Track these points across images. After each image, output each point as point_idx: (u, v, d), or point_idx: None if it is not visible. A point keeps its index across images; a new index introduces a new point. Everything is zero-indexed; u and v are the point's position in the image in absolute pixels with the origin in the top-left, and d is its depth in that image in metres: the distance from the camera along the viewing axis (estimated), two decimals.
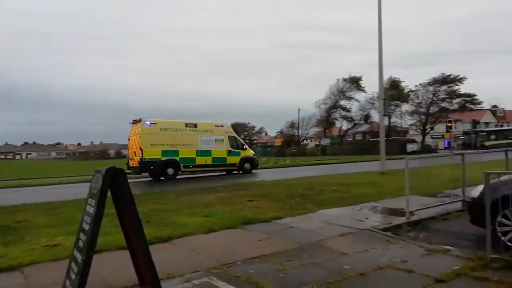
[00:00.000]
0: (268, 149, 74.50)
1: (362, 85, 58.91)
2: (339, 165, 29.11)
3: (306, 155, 57.78)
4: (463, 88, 52.68)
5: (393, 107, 55.54)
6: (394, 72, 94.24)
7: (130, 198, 3.25)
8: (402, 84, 55.20)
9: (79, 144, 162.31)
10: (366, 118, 64.47)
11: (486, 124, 78.25)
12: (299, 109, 67.08)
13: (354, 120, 64.35)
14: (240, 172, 22.66)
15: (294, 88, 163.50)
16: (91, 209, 3.15)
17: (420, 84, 54.61)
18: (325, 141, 62.08)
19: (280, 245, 5.99)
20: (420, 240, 6.15)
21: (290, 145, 68.79)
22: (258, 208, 9.23)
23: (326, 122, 65.03)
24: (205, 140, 21.08)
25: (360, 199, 10.10)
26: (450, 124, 43.38)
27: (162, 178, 19.96)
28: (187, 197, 11.99)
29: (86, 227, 3.13)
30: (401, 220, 7.38)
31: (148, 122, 19.68)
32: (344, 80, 59.36)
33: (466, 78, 51.95)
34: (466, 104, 53.35)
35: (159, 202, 11.00)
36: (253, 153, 24.93)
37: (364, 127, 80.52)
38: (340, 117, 63.94)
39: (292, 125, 77.17)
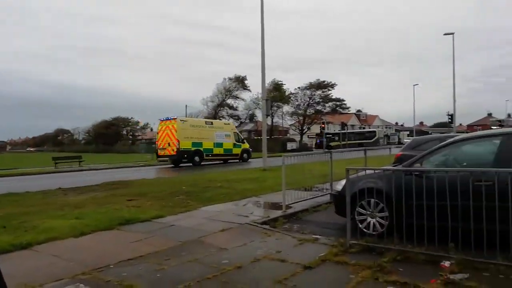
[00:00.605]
0: (154, 145, 71.56)
1: (247, 85, 61.14)
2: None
3: None
4: (334, 93, 59.24)
5: (275, 108, 59.17)
6: (278, 75, 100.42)
7: None
8: (284, 87, 59.19)
9: None
10: (252, 117, 67.30)
11: (352, 126, 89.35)
12: (186, 106, 66.31)
13: (240, 119, 66.42)
14: (240, 160, 28.40)
15: (183, 85, 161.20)
16: None
17: (299, 87, 59.40)
18: None
19: (159, 245, 5.77)
20: (294, 231, 6.61)
21: None
22: (138, 208, 8.76)
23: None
24: (218, 135, 27.13)
25: (243, 195, 10.43)
26: (323, 126, 48.24)
27: (190, 164, 24.94)
28: (56, 198, 10.72)
29: None
30: (278, 213, 7.84)
31: (181, 120, 25.61)
32: (230, 79, 60.67)
33: (336, 85, 58.52)
34: (337, 108, 60.08)
35: (21, 204, 9.59)
36: (249, 146, 30.49)
37: (250, 126, 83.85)
38: (227, 115, 65.30)
39: None
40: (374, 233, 5.66)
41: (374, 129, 69.22)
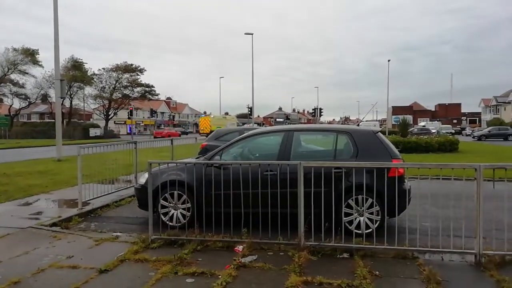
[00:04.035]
0: None
1: (39, 60, 51.74)
2: (5, 151, 24.56)
3: None
4: (144, 79, 57.36)
5: (75, 89, 52.90)
6: (84, 53, 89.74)
7: None
8: (86, 66, 53.32)
9: None
10: (44, 97, 57.23)
11: (162, 113, 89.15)
12: None
13: (29, 99, 55.93)
14: None
15: None
16: None
17: (103, 68, 54.73)
18: None
19: None
20: (91, 231, 6.00)
21: None
22: None
23: None
24: (228, 125, 36.62)
25: (29, 192, 8.86)
26: (131, 109, 46.22)
27: None
28: None
29: None
30: (73, 211, 6.97)
31: (212, 115, 41.27)
32: (15, 50, 49.76)
33: (146, 70, 56.79)
34: (146, 94, 58.43)
35: None
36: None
37: (42, 108, 72.32)
38: (10, 93, 54.05)
39: None
40: (177, 225, 5.70)
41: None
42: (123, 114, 62.36)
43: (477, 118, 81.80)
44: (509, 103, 68.73)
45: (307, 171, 4.92)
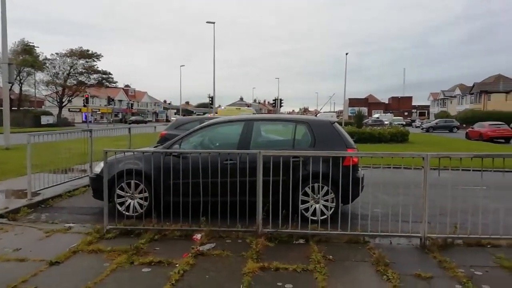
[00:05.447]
0: None
1: None
2: None
3: None
4: (100, 65, 54.93)
5: (24, 74, 49.79)
6: (35, 36, 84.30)
7: None
8: (38, 51, 50.26)
9: None
10: None
11: (120, 101, 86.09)
12: None
13: None
14: None
15: None
16: None
17: (57, 53, 51.81)
18: None
19: None
20: (41, 222, 5.73)
21: None
22: None
23: None
24: None
25: None
26: (87, 96, 44.22)
27: None
28: None
29: None
30: (21, 202, 6.61)
31: (224, 108, 35.23)
32: None
33: (102, 56, 54.37)
34: (103, 81, 56.04)
35: None
36: None
37: None
38: None
39: None
40: (134, 214, 5.59)
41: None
42: (78, 101, 59.61)
43: (426, 111, 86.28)
44: (454, 97, 72.99)
45: (266, 160, 4.99)
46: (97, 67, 54.41)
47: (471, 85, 64.73)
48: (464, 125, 42.96)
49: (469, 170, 4.84)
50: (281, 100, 44.35)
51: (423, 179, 4.65)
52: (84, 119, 58.82)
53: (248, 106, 41.47)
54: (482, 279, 3.75)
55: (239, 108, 36.30)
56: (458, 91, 71.38)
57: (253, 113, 42.55)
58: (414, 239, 4.81)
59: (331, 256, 4.28)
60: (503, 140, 26.13)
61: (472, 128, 29.80)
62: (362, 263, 4.17)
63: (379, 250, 4.40)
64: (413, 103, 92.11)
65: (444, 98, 79.11)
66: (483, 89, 60.77)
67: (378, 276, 3.81)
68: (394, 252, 4.48)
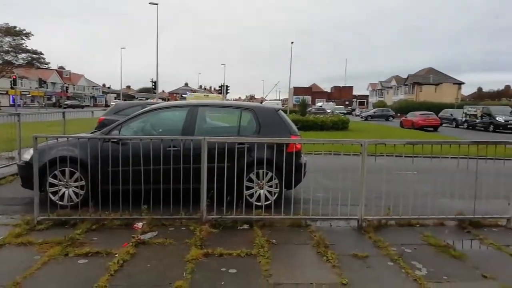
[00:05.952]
0: None
1: None
2: None
3: None
4: (30, 44, 50.40)
5: None
6: None
7: None
8: None
9: None
10: None
11: (54, 84, 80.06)
12: None
13: None
14: None
15: None
16: None
17: None
18: None
19: None
20: None
21: None
22: None
23: None
24: None
25: None
26: (14, 77, 40.38)
27: None
28: None
29: None
30: None
31: (192, 94, 34.12)
32: None
33: (33, 35, 49.92)
34: (33, 62, 51.57)
35: None
36: None
37: None
38: None
39: None
40: (68, 204, 5.24)
41: None
42: (5, 83, 54.38)
43: (365, 101, 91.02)
44: (391, 87, 77.76)
45: (211, 147, 4.92)
46: (26, 46, 49.89)
47: (406, 76, 69.27)
48: (399, 114, 45.96)
49: (401, 156, 5.19)
50: (227, 86, 44.05)
51: (361, 164, 4.88)
52: (12, 102, 53.87)
53: (219, 93, 40.06)
54: (411, 256, 4.07)
55: (207, 96, 34.23)
56: (394, 82, 76.05)
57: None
58: (352, 221, 5.07)
59: (274, 240, 4.37)
60: (432, 129, 28.35)
61: (405, 117, 32.03)
62: (304, 245, 4.31)
63: (319, 233, 4.58)
64: (354, 93, 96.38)
65: (381, 89, 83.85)
66: (415, 81, 65.34)
67: (319, 257, 3.97)
68: (334, 234, 4.69)
